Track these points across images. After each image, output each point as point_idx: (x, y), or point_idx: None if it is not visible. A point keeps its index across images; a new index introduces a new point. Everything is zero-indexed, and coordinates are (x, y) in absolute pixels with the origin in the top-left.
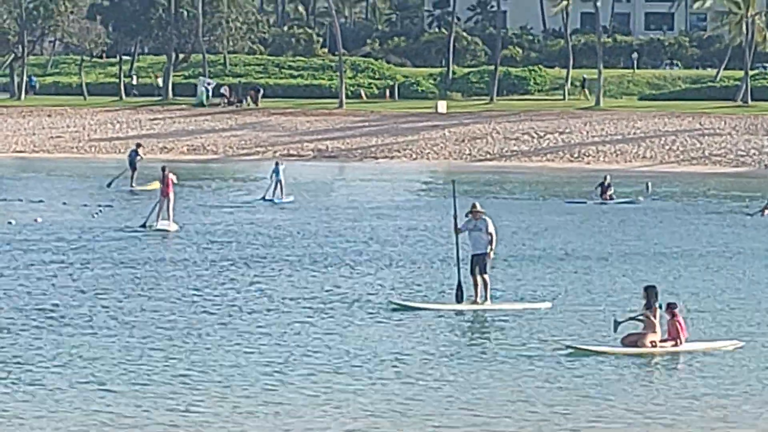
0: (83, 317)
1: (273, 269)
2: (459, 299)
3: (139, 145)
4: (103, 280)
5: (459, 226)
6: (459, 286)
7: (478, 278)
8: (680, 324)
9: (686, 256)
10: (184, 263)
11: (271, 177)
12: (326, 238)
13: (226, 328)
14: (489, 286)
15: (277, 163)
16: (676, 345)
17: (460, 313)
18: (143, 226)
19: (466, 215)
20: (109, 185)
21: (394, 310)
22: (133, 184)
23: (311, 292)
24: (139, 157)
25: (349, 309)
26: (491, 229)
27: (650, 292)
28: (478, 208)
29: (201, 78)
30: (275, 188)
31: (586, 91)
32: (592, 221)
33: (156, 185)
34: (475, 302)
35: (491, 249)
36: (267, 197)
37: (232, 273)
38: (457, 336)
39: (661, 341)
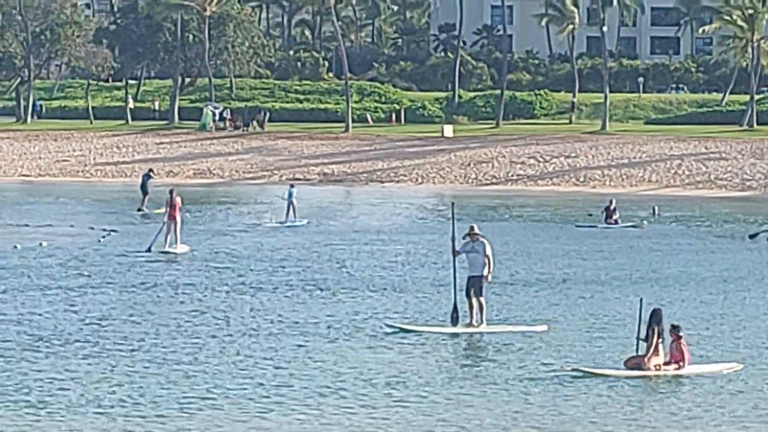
0: (85, 341)
1: (274, 293)
2: (455, 322)
3: (151, 170)
4: (104, 305)
5: (457, 248)
6: (455, 308)
7: (474, 301)
8: (684, 347)
9: (687, 280)
10: (188, 287)
11: (284, 199)
12: (328, 262)
13: (224, 353)
14: (485, 309)
15: (291, 186)
16: (679, 368)
17: (455, 335)
18: (148, 250)
19: (464, 237)
20: (139, 210)
21: (390, 333)
22: (144, 208)
23: (312, 315)
24: (151, 180)
25: (346, 332)
26: (488, 251)
27: (655, 315)
28: (476, 230)
29: (207, 103)
30: (288, 211)
31: (573, 115)
32: (596, 245)
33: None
34: (471, 325)
35: (488, 272)
36: (281, 220)
37: (234, 297)
38: (452, 359)
39: (665, 364)
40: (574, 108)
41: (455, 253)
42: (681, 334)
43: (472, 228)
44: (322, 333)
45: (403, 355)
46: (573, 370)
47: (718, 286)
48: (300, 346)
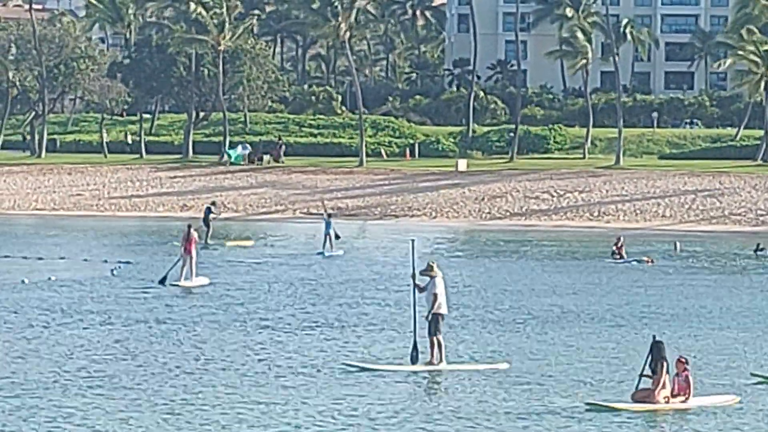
0: (88, 377)
1: (266, 330)
2: (414, 360)
3: (213, 203)
4: (108, 339)
5: (420, 284)
6: (415, 346)
7: (434, 339)
8: (690, 379)
9: (689, 316)
10: (174, 322)
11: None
12: (331, 298)
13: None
14: (444, 347)
15: (329, 216)
16: (686, 401)
17: (415, 374)
18: (161, 282)
19: (422, 273)
20: (205, 242)
21: (347, 372)
22: (208, 241)
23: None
24: (212, 216)
25: (303, 373)
26: (438, 289)
27: (657, 348)
28: (434, 267)
29: (239, 143)
30: (325, 242)
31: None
32: (597, 280)
33: (240, 242)
34: (430, 363)
35: (433, 308)
36: (319, 251)
37: (230, 333)
38: (411, 397)
39: (672, 396)
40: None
41: (419, 289)
42: (688, 366)
43: (429, 264)
44: (280, 374)
45: (359, 394)
46: (587, 404)
47: (718, 322)
48: (289, 387)
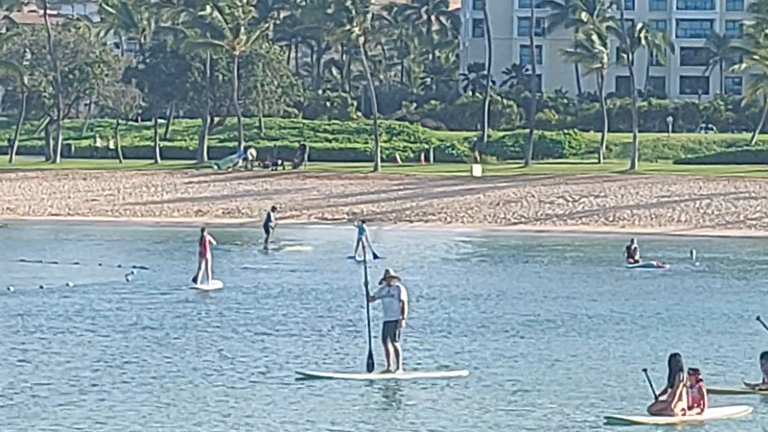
0: (95, 384)
1: (248, 336)
2: (370, 368)
3: (273, 209)
4: (118, 345)
5: (372, 293)
6: (370, 354)
7: (390, 346)
8: (704, 390)
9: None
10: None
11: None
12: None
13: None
14: (401, 354)
15: (362, 222)
16: (701, 412)
17: (370, 382)
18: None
19: (380, 282)
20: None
21: (301, 380)
22: (267, 246)
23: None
24: (272, 223)
25: (253, 380)
26: (404, 296)
27: (674, 360)
28: (392, 273)
29: (235, 151)
30: (357, 247)
31: (476, 154)
32: (605, 286)
33: (298, 248)
34: (387, 371)
35: (403, 316)
36: (350, 255)
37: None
38: (367, 406)
39: (689, 408)
40: (475, 147)
41: (370, 299)
42: (701, 377)
43: (387, 272)
44: (234, 378)
45: (313, 402)
46: (606, 417)
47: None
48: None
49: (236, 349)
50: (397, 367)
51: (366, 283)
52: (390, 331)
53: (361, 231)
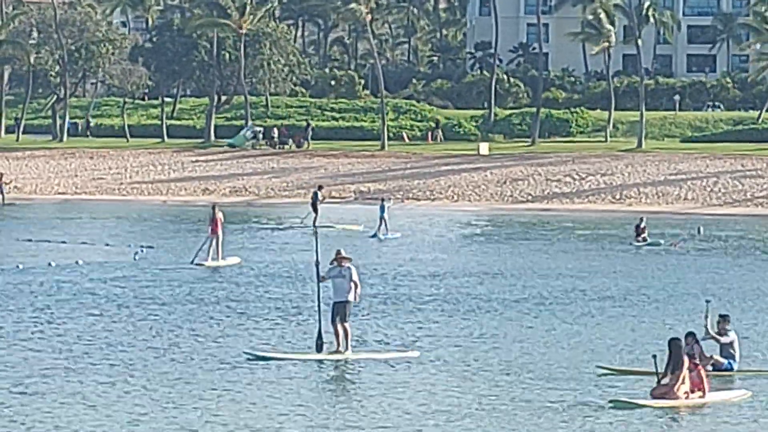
0: (102, 359)
1: (238, 313)
2: (319, 349)
3: (320, 187)
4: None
5: (322, 273)
6: (319, 335)
7: (340, 327)
8: (704, 374)
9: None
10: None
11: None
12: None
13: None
14: (350, 335)
15: (383, 200)
16: (703, 396)
17: (320, 362)
18: (192, 262)
19: (331, 263)
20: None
21: (249, 360)
22: (316, 225)
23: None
24: (319, 200)
25: (205, 361)
26: (355, 277)
27: (674, 344)
28: (343, 254)
29: (245, 127)
30: (380, 225)
31: (440, 133)
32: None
33: (349, 227)
34: (337, 351)
35: (356, 296)
36: (373, 233)
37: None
38: (317, 386)
39: (691, 392)
40: (438, 125)
41: (320, 279)
42: (697, 362)
43: (338, 252)
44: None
45: (261, 383)
46: (611, 401)
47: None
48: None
49: (204, 330)
50: (347, 348)
51: (317, 263)
52: (340, 311)
53: (383, 209)
